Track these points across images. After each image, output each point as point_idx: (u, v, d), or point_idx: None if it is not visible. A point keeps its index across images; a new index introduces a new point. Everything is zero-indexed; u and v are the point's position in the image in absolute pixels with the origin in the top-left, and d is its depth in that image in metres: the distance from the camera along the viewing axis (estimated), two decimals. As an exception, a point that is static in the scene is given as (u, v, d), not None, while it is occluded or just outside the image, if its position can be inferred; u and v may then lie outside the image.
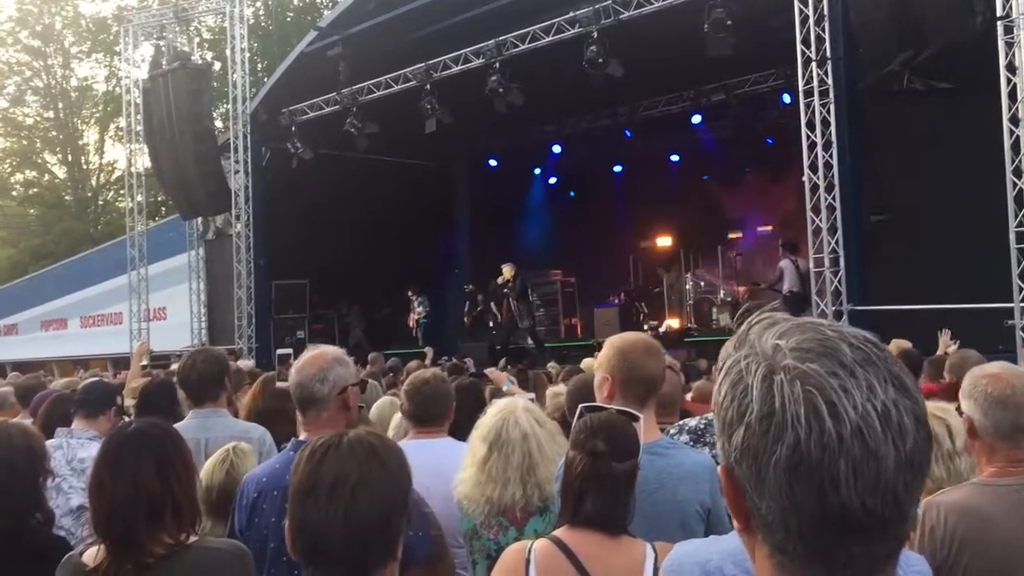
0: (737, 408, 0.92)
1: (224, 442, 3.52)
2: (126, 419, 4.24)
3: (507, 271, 16.08)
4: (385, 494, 1.63)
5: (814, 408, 0.86)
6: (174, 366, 7.74)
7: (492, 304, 17.30)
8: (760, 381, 0.90)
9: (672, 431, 3.19)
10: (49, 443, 3.33)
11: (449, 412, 3.72)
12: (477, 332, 17.65)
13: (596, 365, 2.99)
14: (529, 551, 2.36)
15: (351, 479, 1.61)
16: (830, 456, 0.85)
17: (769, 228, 17.90)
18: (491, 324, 17.59)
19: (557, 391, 5.65)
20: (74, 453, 3.80)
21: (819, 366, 0.88)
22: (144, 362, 7.60)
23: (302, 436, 2.87)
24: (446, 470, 3.22)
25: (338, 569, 1.61)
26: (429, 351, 12.62)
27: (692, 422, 3.26)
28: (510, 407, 3.18)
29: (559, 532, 2.39)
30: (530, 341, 16.23)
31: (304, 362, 2.98)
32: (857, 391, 0.87)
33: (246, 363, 10.00)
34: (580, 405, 2.58)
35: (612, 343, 2.97)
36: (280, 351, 4.24)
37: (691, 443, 3.12)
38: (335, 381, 2.93)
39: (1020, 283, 9.23)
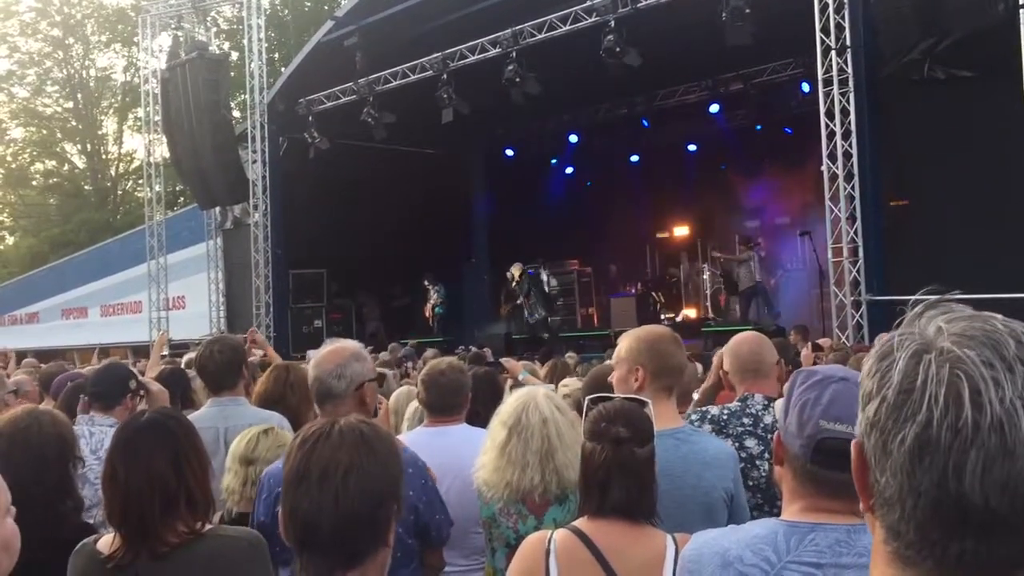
0: (879, 380, 0.89)
1: (243, 430, 3.53)
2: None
3: (515, 271, 16.25)
4: (375, 481, 1.64)
5: (956, 392, 0.83)
6: (187, 356, 7.77)
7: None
8: (908, 357, 0.87)
9: (694, 417, 3.19)
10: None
11: (465, 402, 3.74)
12: (513, 322, 17.66)
13: (617, 358, 2.99)
14: (549, 541, 2.36)
15: (341, 466, 1.62)
16: (961, 443, 0.82)
17: (787, 218, 17.80)
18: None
19: (566, 382, 5.65)
20: (99, 443, 3.78)
21: (976, 353, 0.84)
22: (164, 352, 7.63)
23: None
24: (464, 454, 3.26)
25: (329, 555, 1.63)
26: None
27: (714, 410, 3.26)
28: (531, 394, 3.19)
29: (579, 523, 2.39)
30: (545, 334, 16.28)
31: (322, 357, 3.01)
32: (1010, 385, 0.82)
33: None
34: (587, 397, 2.58)
35: (637, 335, 2.99)
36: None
37: (713, 432, 3.12)
38: (352, 377, 2.96)
39: (1043, 273, 9.15)
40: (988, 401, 0.82)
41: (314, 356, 3.10)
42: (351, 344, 3.12)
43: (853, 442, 0.96)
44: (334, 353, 3.01)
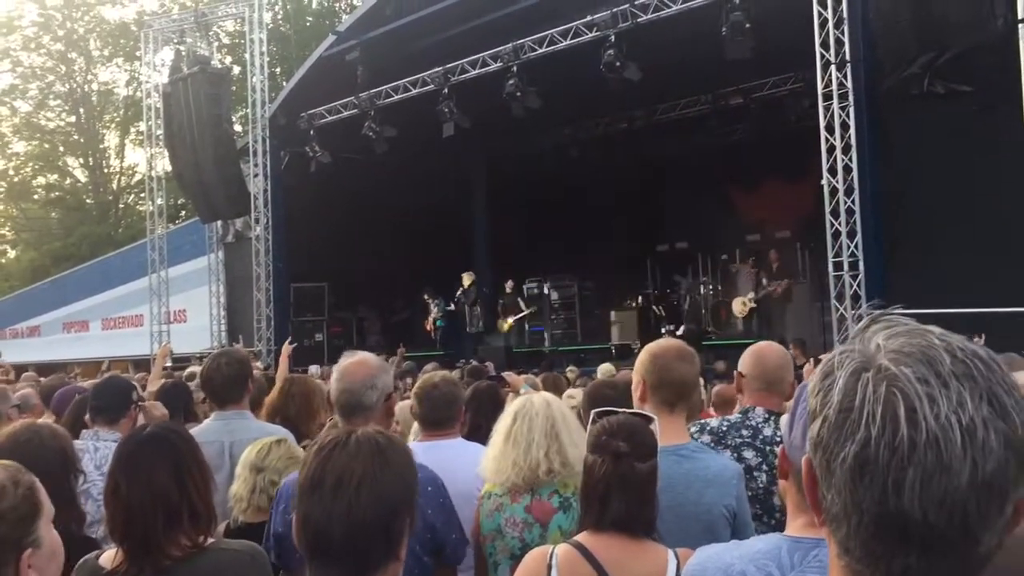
0: (822, 399, 0.92)
1: (249, 444, 3.53)
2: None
3: (466, 280, 16.41)
4: (389, 493, 1.62)
5: (892, 410, 0.85)
6: (189, 369, 7.77)
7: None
8: (848, 376, 0.89)
9: (693, 430, 3.19)
10: (76, 444, 3.33)
11: (458, 415, 3.69)
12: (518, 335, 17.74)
13: (634, 371, 3.03)
14: (551, 556, 2.36)
15: (355, 475, 1.60)
16: (899, 461, 0.84)
17: (787, 232, 17.79)
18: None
19: (571, 393, 5.67)
20: (104, 458, 3.74)
21: (912, 371, 0.86)
22: (167, 364, 7.64)
23: None
24: (457, 468, 3.20)
25: (339, 565, 1.61)
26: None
27: (713, 422, 3.25)
28: (534, 395, 3.25)
29: (581, 537, 2.39)
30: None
31: (349, 370, 2.96)
32: (945, 402, 0.84)
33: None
34: (592, 411, 2.57)
35: (647, 348, 3.02)
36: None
37: (712, 444, 3.12)
38: (382, 388, 2.94)
39: (1043, 287, 9.15)
40: (923, 418, 0.84)
41: (336, 369, 3.04)
42: (371, 356, 3.08)
43: (804, 458, 0.97)
44: (361, 365, 2.97)
